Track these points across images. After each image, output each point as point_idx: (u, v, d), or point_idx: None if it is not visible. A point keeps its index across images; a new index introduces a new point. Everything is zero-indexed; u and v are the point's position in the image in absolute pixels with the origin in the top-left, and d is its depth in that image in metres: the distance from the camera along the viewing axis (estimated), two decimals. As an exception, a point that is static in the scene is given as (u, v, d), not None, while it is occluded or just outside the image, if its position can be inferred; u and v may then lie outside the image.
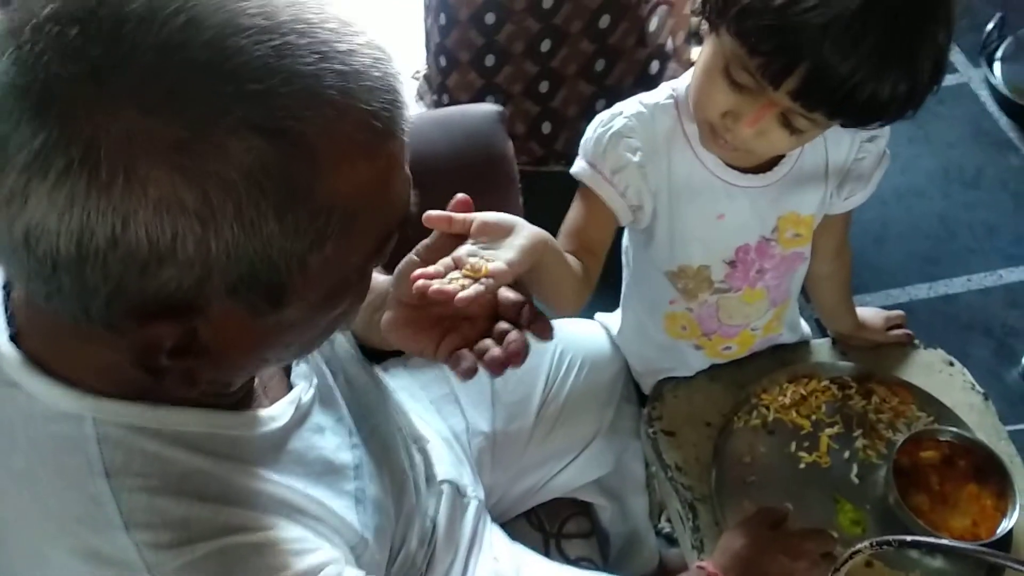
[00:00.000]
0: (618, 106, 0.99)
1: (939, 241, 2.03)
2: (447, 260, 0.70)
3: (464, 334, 0.73)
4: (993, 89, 2.22)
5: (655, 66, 1.86)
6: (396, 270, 0.78)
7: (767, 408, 1.15)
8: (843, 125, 0.86)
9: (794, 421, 1.14)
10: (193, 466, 0.61)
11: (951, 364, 1.23)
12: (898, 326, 1.26)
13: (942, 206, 2.09)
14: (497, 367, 0.70)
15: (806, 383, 1.18)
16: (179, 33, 0.46)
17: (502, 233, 0.74)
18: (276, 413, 0.70)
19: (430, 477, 1.02)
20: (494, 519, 1.15)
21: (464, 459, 1.13)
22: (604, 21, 1.73)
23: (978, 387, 1.20)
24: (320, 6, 0.51)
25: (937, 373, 1.22)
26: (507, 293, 0.73)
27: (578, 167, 0.99)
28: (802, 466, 1.11)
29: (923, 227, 2.05)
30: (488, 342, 0.71)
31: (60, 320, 0.53)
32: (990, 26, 2.22)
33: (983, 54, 2.25)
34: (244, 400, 0.69)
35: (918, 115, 0.84)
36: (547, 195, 1.08)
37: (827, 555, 0.99)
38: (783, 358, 1.22)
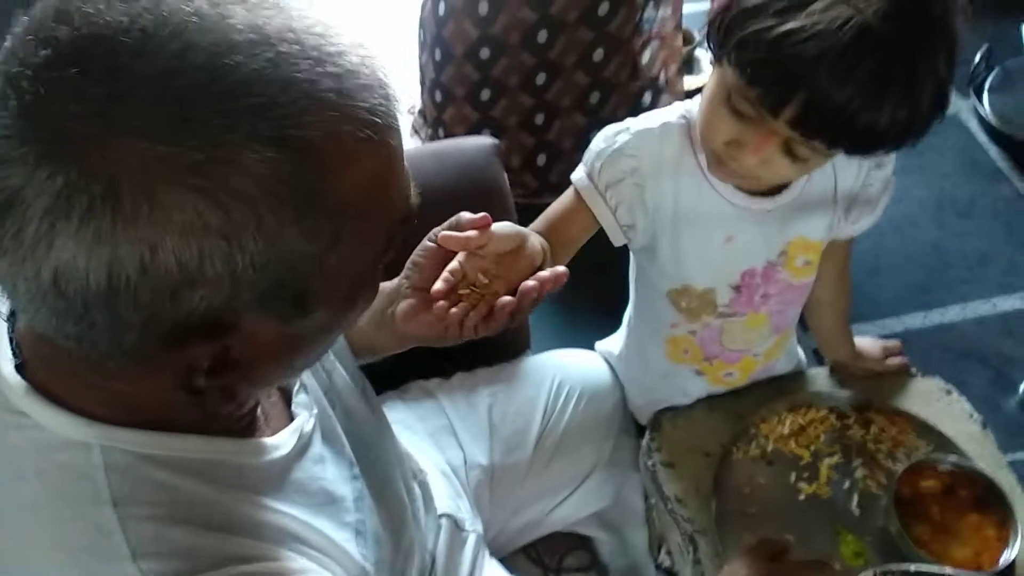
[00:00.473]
0: (628, 121, 1.00)
1: (933, 270, 2.04)
2: (454, 270, 0.78)
3: (481, 307, 0.79)
4: (982, 120, 2.24)
5: (648, 97, 1.88)
6: (411, 259, 0.83)
7: (766, 438, 1.15)
8: (847, 153, 0.86)
9: (793, 451, 1.14)
10: (199, 495, 0.61)
11: (949, 392, 1.23)
12: (895, 355, 1.26)
13: (935, 236, 2.10)
14: (533, 293, 0.76)
15: (804, 412, 1.17)
16: (176, 60, 0.47)
17: (512, 244, 0.80)
18: (279, 442, 0.70)
19: (429, 510, 1.01)
20: (492, 554, 1.14)
21: (462, 492, 1.13)
22: (598, 55, 1.75)
23: (976, 415, 1.20)
24: (300, 13, 0.52)
25: (935, 402, 1.22)
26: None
27: (577, 175, 1.01)
28: (802, 497, 1.10)
29: (917, 257, 2.06)
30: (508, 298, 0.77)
31: (65, 350, 0.53)
32: (977, 58, 2.24)
33: (971, 85, 2.27)
34: (248, 428, 0.69)
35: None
36: (542, 228, 1.08)
37: (829, 587, 0.98)
38: (781, 387, 1.22)
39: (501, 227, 0.80)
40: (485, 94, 1.77)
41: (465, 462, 1.16)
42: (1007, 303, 1.97)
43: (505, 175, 1.27)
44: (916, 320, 1.95)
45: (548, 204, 1.05)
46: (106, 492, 0.58)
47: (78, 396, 0.59)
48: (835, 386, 1.24)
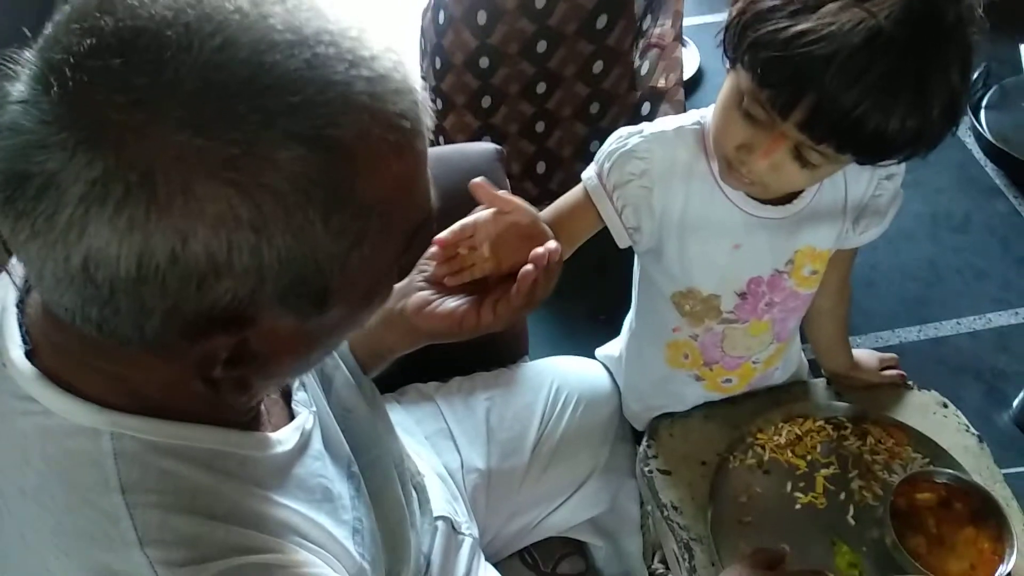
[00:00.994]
0: (643, 124, 1.00)
1: (928, 285, 2.05)
2: (467, 225, 0.83)
3: (497, 293, 0.83)
4: (979, 137, 2.26)
5: (647, 107, 1.89)
6: (424, 256, 0.86)
7: (762, 448, 1.15)
8: (857, 161, 0.87)
9: (790, 461, 1.14)
10: (204, 484, 0.61)
11: (945, 406, 1.24)
12: (891, 367, 1.27)
13: (931, 250, 2.11)
14: (541, 260, 0.80)
15: (801, 423, 1.18)
16: (217, 55, 0.48)
17: (528, 219, 0.84)
18: (283, 438, 0.70)
19: (425, 513, 1.01)
20: (488, 558, 1.14)
21: (458, 495, 1.13)
22: (597, 67, 1.75)
23: (972, 429, 1.21)
24: (336, 16, 0.53)
25: (931, 415, 1.22)
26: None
27: (587, 173, 1.02)
28: (798, 507, 1.10)
29: (912, 271, 2.07)
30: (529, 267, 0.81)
31: (78, 336, 0.54)
32: (975, 75, 2.26)
33: (969, 103, 2.29)
34: (253, 422, 0.69)
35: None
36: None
37: (824, 597, 0.98)
38: (778, 398, 1.22)
39: (525, 204, 0.85)
40: (486, 101, 1.78)
41: (462, 466, 1.16)
42: (1001, 318, 1.98)
43: (507, 181, 1.28)
44: (911, 334, 1.96)
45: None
46: (115, 479, 0.58)
47: (87, 383, 0.59)
48: (832, 397, 1.24)
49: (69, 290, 0.51)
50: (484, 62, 1.71)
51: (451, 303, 0.86)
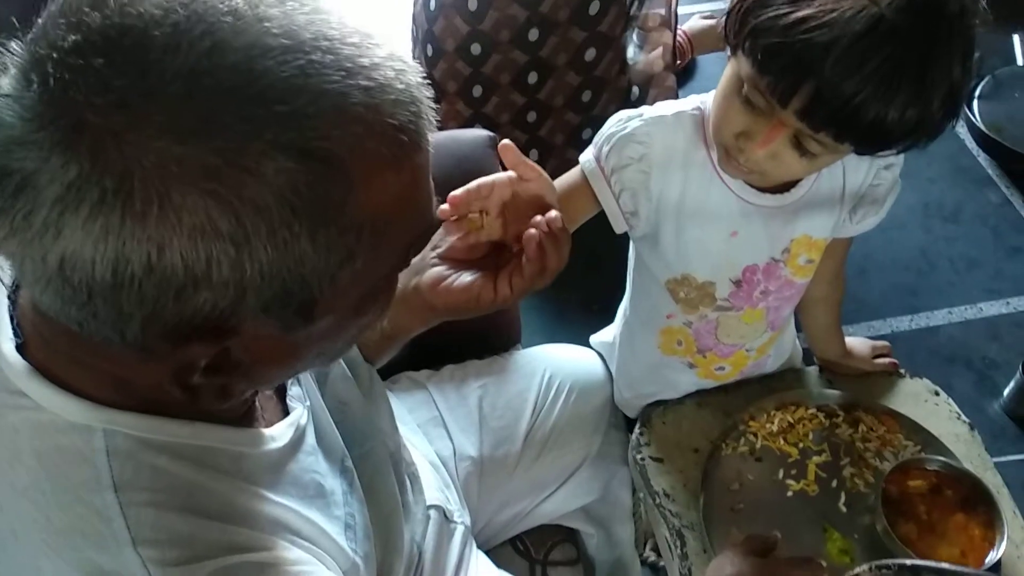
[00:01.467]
0: (643, 108, 1.00)
1: (920, 274, 2.05)
2: (484, 184, 0.83)
3: (512, 266, 0.84)
4: (972, 127, 2.26)
5: (636, 92, 1.88)
6: (438, 232, 0.86)
7: (755, 435, 1.15)
8: (856, 152, 0.86)
9: (781, 448, 1.14)
10: (197, 482, 0.60)
11: (936, 394, 1.24)
12: (884, 355, 1.27)
13: (923, 240, 2.11)
14: (541, 226, 0.80)
15: (793, 411, 1.18)
16: (205, 59, 0.46)
17: (544, 191, 0.85)
18: (276, 434, 0.69)
19: (417, 502, 1.01)
20: (480, 545, 1.14)
21: (451, 484, 1.13)
22: (590, 54, 1.75)
23: (964, 417, 1.21)
24: (340, 20, 0.51)
25: (923, 403, 1.22)
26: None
27: (585, 156, 1.01)
28: (790, 494, 1.10)
29: (904, 260, 2.08)
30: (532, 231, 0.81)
31: (66, 331, 0.53)
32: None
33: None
34: (246, 418, 0.69)
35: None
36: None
37: (816, 583, 0.98)
38: (770, 385, 1.22)
39: (546, 175, 0.86)
40: (477, 90, 1.77)
41: (454, 454, 1.15)
42: (993, 308, 1.99)
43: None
44: (903, 323, 1.96)
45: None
46: (107, 477, 0.57)
47: (80, 378, 0.58)
48: (824, 385, 1.24)
49: (48, 289, 0.50)
50: (476, 49, 1.70)
51: (467, 278, 0.86)
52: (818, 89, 0.78)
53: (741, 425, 1.16)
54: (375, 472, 0.87)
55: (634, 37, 1.83)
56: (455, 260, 0.87)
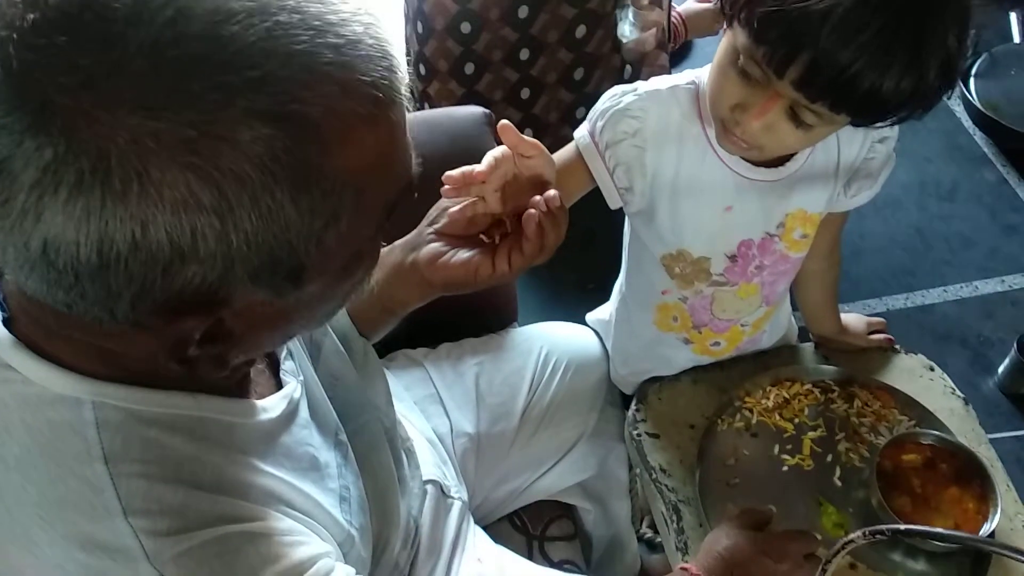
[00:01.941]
0: (637, 83, 1.00)
1: (915, 253, 2.06)
2: (499, 157, 0.83)
3: (510, 242, 0.84)
4: (968, 105, 2.26)
5: (628, 71, 1.88)
6: (437, 205, 0.87)
7: (750, 411, 1.16)
8: (852, 123, 0.86)
9: (777, 424, 1.15)
10: (188, 453, 0.61)
11: (932, 369, 1.24)
12: (879, 331, 1.28)
13: (919, 218, 2.12)
14: (540, 205, 0.81)
15: (789, 386, 1.18)
16: (169, 28, 0.45)
17: (549, 169, 0.86)
18: (269, 405, 0.70)
19: (414, 477, 1.01)
20: (477, 521, 1.15)
21: (448, 460, 1.13)
22: (580, 31, 1.74)
23: (958, 392, 1.21)
24: None
25: (918, 378, 1.23)
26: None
27: (579, 132, 1.01)
28: (785, 468, 1.11)
29: (900, 239, 2.08)
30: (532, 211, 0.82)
31: (52, 311, 0.52)
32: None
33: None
34: (239, 388, 0.69)
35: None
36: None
37: (810, 556, 0.99)
38: (766, 362, 1.22)
39: (547, 152, 0.86)
40: (469, 68, 1.76)
41: (451, 430, 1.16)
42: (988, 286, 1.99)
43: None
44: (898, 301, 1.97)
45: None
46: (97, 448, 0.57)
47: (67, 352, 0.58)
48: (819, 361, 1.25)
49: (33, 274, 0.49)
50: (466, 27, 1.69)
51: (464, 254, 0.86)
52: (814, 59, 0.78)
53: (737, 401, 1.16)
54: (370, 446, 0.88)
55: (629, 15, 1.82)
56: (452, 236, 0.87)
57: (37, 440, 0.58)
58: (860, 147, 1.03)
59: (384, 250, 0.90)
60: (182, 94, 0.45)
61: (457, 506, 1.08)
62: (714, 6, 0.87)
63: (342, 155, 0.50)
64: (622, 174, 0.99)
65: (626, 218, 1.12)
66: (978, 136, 2.27)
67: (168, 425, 0.60)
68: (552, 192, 0.83)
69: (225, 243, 0.48)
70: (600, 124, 0.98)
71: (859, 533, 0.73)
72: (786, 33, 0.78)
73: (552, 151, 1.02)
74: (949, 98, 0.84)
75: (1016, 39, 2.38)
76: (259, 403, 0.69)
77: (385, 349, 1.22)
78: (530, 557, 1.17)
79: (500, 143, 0.84)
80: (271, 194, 0.48)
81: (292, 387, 0.74)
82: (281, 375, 0.76)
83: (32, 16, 0.44)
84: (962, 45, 0.80)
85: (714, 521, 1.05)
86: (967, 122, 2.29)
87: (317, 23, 0.48)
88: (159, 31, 0.45)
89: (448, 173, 0.82)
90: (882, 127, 0.89)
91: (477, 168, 0.82)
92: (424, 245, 0.88)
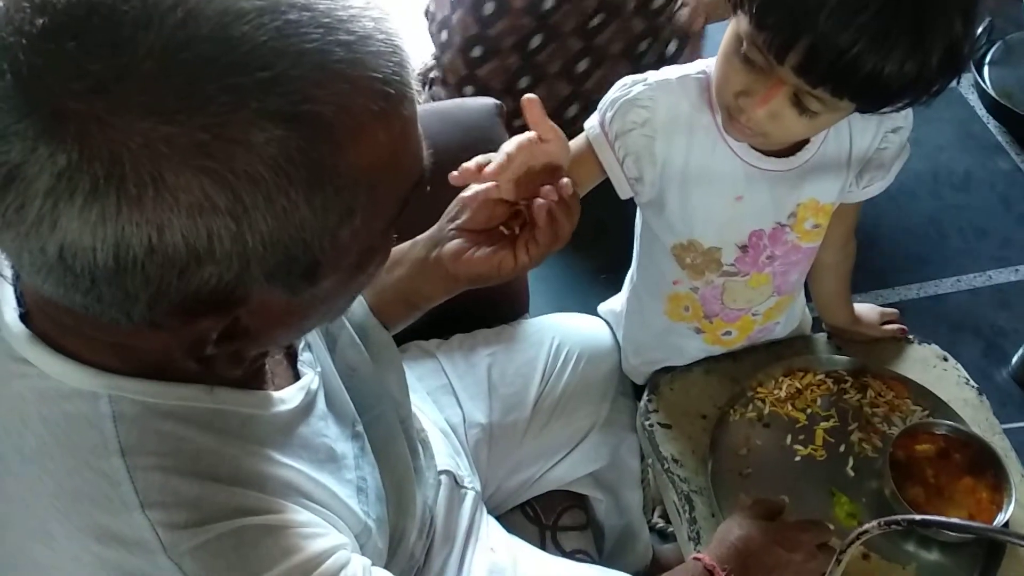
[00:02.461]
0: (647, 73, 0.99)
1: (929, 242, 2.05)
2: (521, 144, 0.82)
3: (527, 233, 0.85)
4: (982, 93, 2.24)
5: (673, 47, 1.86)
6: (452, 205, 0.89)
7: (763, 401, 1.16)
8: (857, 109, 0.86)
9: (789, 414, 1.15)
10: (205, 445, 0.61)
11: (945, 359, 1.24)
12: (892, 322, 1.27)
13: (932, 208, 2.11)
14: (550, 195, 0.82)
15: (801, 377, 1.18)
16: (179, 30, 0.45)
17: (564, 156, 0.86)
18: (287, 396, 0.70)
19: (429, 467, 1.02)
20: (490, 511, 1.15)
21: (461, 450, 1.14)
22: (597, 19, 1.73)
23: (972, 382, 1.21)
24: None
25: (932, 368, 1.23)
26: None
27: (589, 122, 1.01)
28: (797, 459, 1.11)
29: (913, 228, 2.07)
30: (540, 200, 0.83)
31: (68, 311, 0.53)
32: (979, 31, 2.24)
33: (972, 58, 2.27)
34: (255, 380, 0.69)
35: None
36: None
37: (823, 546, 0.99)
38: (778, 352, 1.22)
39: (565, 138, 0.86)
40: (477, 51, 1.76)
41: (464, 421, 1.16)
42: (1002, 276, 1.98)
43: (507, 135, 1.27)
44: (911, 291, 1.96)
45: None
46: (114, 442, 0.58)
47: (82, 347, 0.59)
48: (832, 351, 1.24)
49: (50, 278, 0.49)
50: (489, 7, 1.69)
51: (487, 248, 0.87)
52: (814, 43, 0.78)
53: (749, 391, 1.16)
54: (386, 437, 0.88)
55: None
56: (472, 232, 0.88)
57: (54, 432, 0.59)
58: (873, 137, 1.02)
59: (406, 245, 0.91)
60: (193, 97, 0.45)
61: (470, 496, 1.09)
62: None
63: (355, 153, 0.50)
64: (632, 164, 0.99)
65: (637, 208, 1.12)
66: (992, 124, 2.26)
67: (184, 418, 0.61)
68: (564, 180, 0.83)
69: (240, 244, 0.48)
70: (609, 114, 0.98)
71: (875, 523, 0.73)
72: (786, 17, 0.78)
73: None
74: (959, 84, 0.83)
75: (1031, 27, 2.36)
76: (276, 394, 0.69)
77: (398, 340, 1.22)
78: (542, 547, 1.17)
79: (512, 134, 0.84)
80: (286, 194, 0.48)
81: (309, 378, 0.74)
82: (299, 366, 0.76)
83: (40, 21, 0.44)
84: (969, 31, 0.80)
85: (726, 511, 1.05)
86: (981, 110, 2.27)
87: (327, 20, 0.48)
88: (169, 33, 0.45)
89: (464, 165, 0.82)
90: (889, 112, 0.88)
91: (488, 169, 0.82)
92: (447, 241, 0.88)
